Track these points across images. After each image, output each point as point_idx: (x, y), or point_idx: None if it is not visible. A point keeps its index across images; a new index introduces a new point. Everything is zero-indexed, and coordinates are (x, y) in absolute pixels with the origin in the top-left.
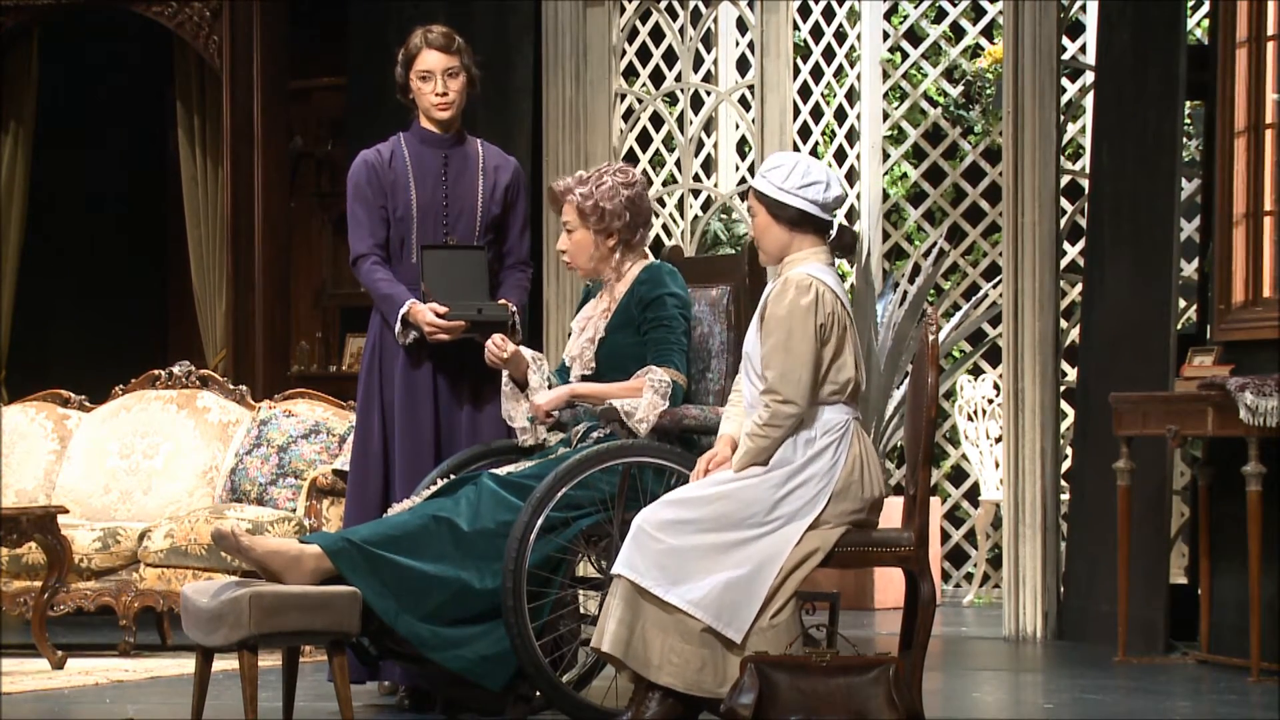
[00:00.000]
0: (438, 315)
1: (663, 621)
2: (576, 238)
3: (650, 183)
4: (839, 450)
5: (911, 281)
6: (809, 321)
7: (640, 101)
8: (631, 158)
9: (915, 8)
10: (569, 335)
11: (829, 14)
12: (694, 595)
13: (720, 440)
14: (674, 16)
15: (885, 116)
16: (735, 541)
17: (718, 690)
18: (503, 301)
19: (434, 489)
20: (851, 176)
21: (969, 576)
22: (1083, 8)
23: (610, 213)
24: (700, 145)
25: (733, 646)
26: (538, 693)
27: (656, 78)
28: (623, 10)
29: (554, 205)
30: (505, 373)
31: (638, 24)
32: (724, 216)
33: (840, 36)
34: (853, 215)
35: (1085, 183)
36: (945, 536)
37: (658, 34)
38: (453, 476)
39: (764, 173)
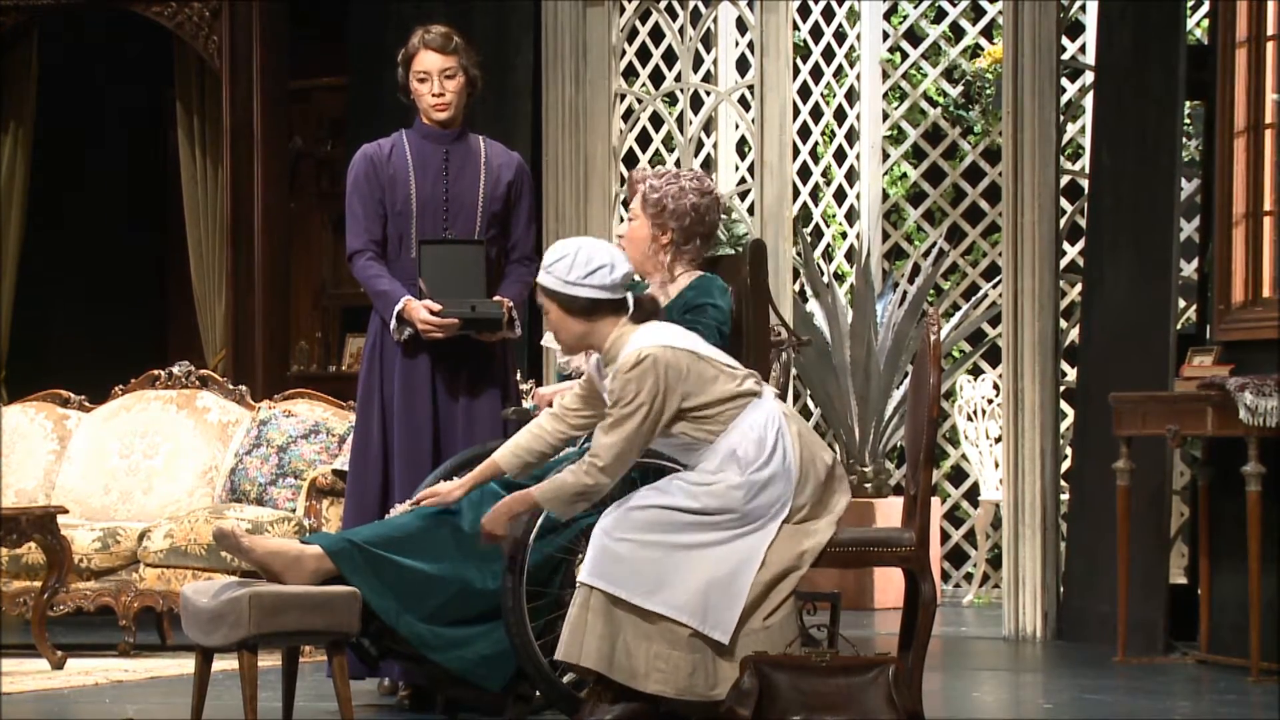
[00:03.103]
0: (432, 312)
1: (645, 630)
2: (635, 226)
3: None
4: (784, 439)
5: (911, 281)
6: (642, 409)
7: (640, 101)
8: (631, 158)
9: (915, 8)
10: None
11: (829, 14)
12: (676, 600)
13: (487, 464)
14: (673, 16)
15: (885, 116)
16: (709, 542)
17: (710, 693)
18: (498, 298)
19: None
20: (851, 176)
21: (969, 576)
22: (1082, 8)
23: (671, 212)
24: (700, 145)
25: (723, 648)
26: (537, 693)
27: (656, 78)
28: (622, 10)
29: (630, 194)
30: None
31: (637, 24)
32: (724, 217)
33: (840, 36)
34: (853, 215)
35: (1085, 183)
36: (945, 536)
37: (657, 34)
38: (455, 479)
39: (547, 267)
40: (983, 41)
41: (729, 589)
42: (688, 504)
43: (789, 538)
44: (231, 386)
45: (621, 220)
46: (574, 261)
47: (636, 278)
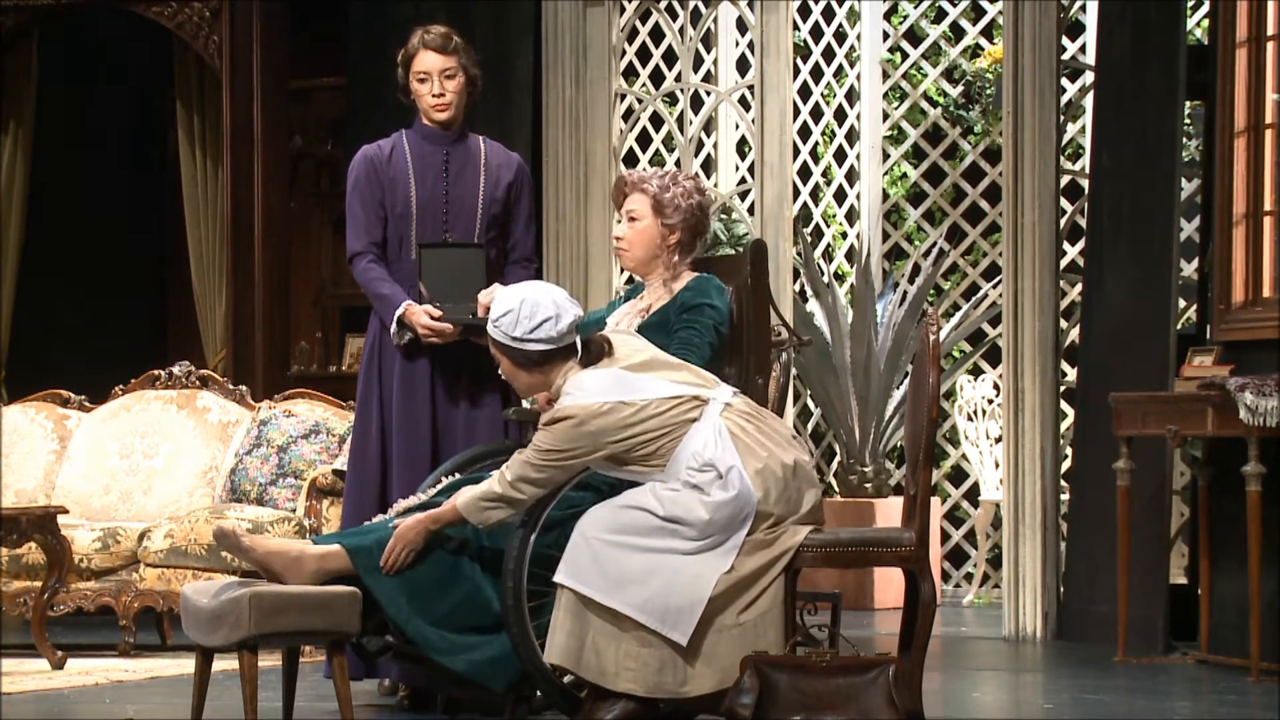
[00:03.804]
0: (432, 318)
1: (613, 628)
2: (642, 227)
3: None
4: (732, 454)
5: (911, 281)
6: (552, 462)
7: (640, 101)
8: (631, 158)
9: (915, 8)
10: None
11: (829, 14)
12: (636, 599)
13: (448, 510)
14: (674, 16)
15: (885, 116)
16: (674, 550)
17: (680, 690)
18: None
19: (440, 487)
20: (851, 176)
21: (969, 576)
22: (1083, 8)
23: (682, 210)
24: (700, 145)
25: (693, 647)
26: (538, 693)
27: (656, 78)
28: (622, 10)
29: (620, 195)
30: None
31: (637, 24)
32: (724, 217)
33: (840, 36)
34: (853, 215)
35: (1085, 183)
36: (945, 536)
37: (657, 34)
38: (458, 475)
39: (495, 322)
40: (983, 41)
41: (690, 593)
42: (656, 508)
43: (761, 541)
44: (232, 386)
45: (619, 222)
46: (519, 317)
47: (624, 288)
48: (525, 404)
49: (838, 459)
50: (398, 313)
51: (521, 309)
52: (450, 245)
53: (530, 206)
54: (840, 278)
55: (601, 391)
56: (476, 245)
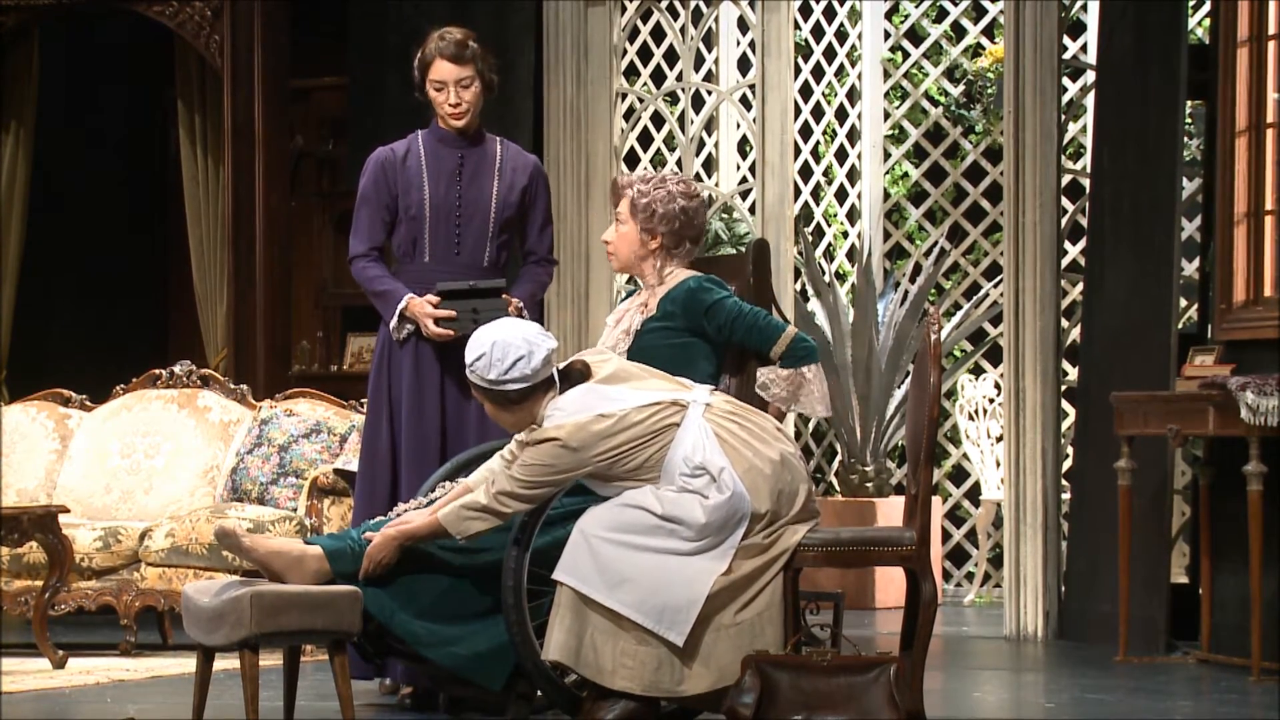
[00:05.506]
0: (438, 320)
1: (612, 626)
2: (623, 231)
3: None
4: (721, 456)
5: (912, 281)
6: (536, 480)
7: (641, 101)
8: (633, 157)
9: (916, 7)
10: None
11: (830, 13)
12: (633, 598)
13: (430, 522)
14: (675, 16)
15: (886, 116)
16: (672, 550)
17: (677, 689)
18: (505, 298)
19: (441, 491)
20: (853, 176)
21: (970, 576)
22: (1084, 7)
23: (661, 216)
24: (701, 145)
25: (690, 646)
26: (539, 692)
27: (657, 77)
28: (624, 10)
29: (614, 197)
30: None
31: (639, 23)
32: (725, 216)
33: (841, 36)
34: (854, 215)
35: (1086, 182)
36: (946, 536)
37: (659, 33)
38: (460, 479)
39: (470, 367)
40: (984, 41)
41: (687, 593)
42: (655, 507)
43: (759, 545)
44: (233, 386)
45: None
46: (491, 360)
47: (628, 287)
48: None
49: (839, 458)
50: (399, 306)
51: (493, 352)
52: (471, 293)
53: (547, 208)
54: (841, 277)
55: (579, 408)
56: (496, 291)
